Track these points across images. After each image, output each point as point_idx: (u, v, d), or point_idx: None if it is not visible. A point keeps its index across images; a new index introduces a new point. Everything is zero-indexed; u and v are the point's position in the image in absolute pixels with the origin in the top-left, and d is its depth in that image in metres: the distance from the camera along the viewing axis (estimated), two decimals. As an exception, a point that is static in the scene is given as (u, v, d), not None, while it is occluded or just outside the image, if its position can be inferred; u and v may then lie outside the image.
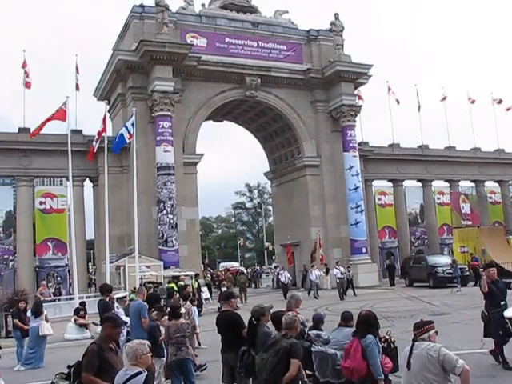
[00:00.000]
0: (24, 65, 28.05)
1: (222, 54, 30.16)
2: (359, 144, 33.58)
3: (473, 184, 41.65)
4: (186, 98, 28.82)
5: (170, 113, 26.88)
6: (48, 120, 19.70)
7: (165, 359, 8.48)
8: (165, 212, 26.04)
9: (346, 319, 7.08)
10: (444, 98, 39.40)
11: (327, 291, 27.83)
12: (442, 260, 28.69)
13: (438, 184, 40.84)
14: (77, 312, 16.82)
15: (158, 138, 26.57)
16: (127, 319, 9.60)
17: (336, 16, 32.71)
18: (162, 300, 14.47)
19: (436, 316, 14.83)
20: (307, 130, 32.47)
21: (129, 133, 21.90)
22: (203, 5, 31.81)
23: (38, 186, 30.46)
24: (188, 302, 12.28)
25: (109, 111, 28.15)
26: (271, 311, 6.85)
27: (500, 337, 9.15)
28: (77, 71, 29.19)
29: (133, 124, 22.01)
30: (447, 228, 38.69)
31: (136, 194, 22.68)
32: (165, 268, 24.70)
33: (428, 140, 53.81)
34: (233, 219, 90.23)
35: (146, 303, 9.41)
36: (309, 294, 25.74)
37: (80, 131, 28.78)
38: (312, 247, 30.18)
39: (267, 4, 34.76)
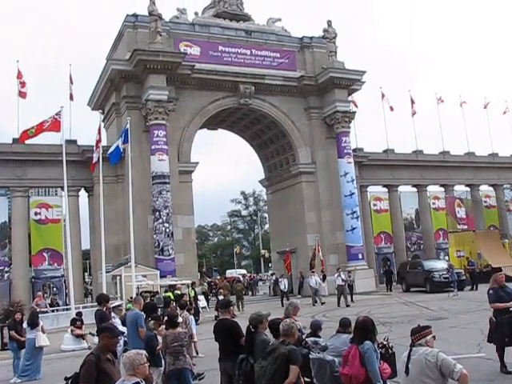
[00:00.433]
0: (19, 76, 27.92)
1: (216, 62, 30.25)
2: (354, 150, 33.68)
3: (467, 188, 41.85)
4: (181, 107, 28.85)
5: (164, 122, 26.89)
6: (42, 131, 19.59)
7: (162, 369, 8.45)
8: (160, 221, 26.01)
9: (344, 325, 7.07)
10: (441, 101, 39.43)
11: (324, 298, 27.72)
12: (439, 265, 28.65)
13: (433, 189, 40.96)
14: (73, 322, 16.71)
15: (153, 147, 26.56)
16: (124, 329, 9.55)
17: (329, 23, 32.88)
18: (159, 309, 14.45)
19: (433, 321, 14.80)
20: (302, 136, 32.52)
21: (123, 142, 21.91)
22: (196, 13, 31.94)
23: (33, 197, 30.29)
24: (185, 311, 12.28)
25: (103, 121, 28.19)
26: (269, 319, 6.84)
27: (504, 343, 9.04)
28: (71, 81, 29.12)
29: (127, 133, 22.01)
30: (443, 232, 38.79)
31: (131, 203, 22.63)
32: (161, 277, 24.60)
33: (422, 145, 54.01)
34: (228, 227, 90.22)
35: (142, 313, 9.39)
36: (314, 304, 25.07)
37: (75, 141, 28.65)
38: (310, 254, 30.03)
39: (260, 12, 35.17)
